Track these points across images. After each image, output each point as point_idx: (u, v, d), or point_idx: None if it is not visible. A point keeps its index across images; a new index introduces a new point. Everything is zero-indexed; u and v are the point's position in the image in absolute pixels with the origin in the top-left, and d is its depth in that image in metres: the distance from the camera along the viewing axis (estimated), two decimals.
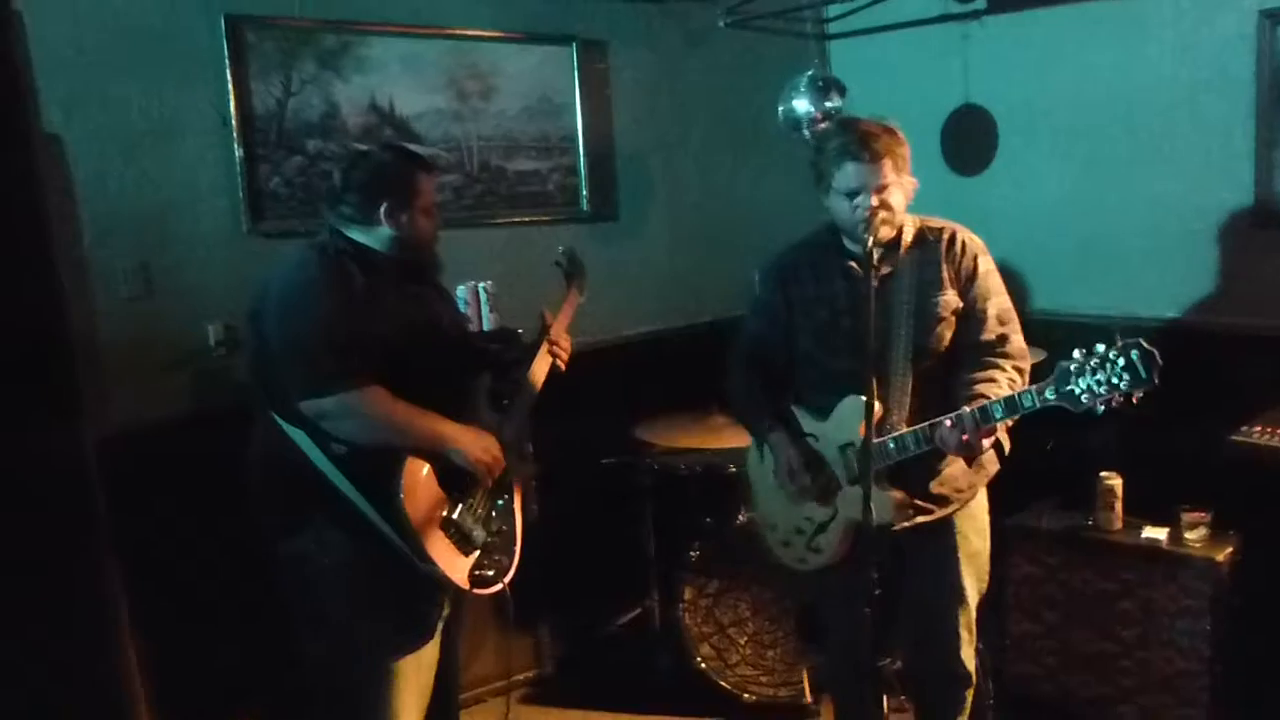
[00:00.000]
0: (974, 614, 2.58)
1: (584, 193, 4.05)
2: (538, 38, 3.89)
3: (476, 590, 2.47)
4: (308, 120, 3.44)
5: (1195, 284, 3.59)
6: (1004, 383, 2.33)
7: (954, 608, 2.55)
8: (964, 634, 2.57)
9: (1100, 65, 3.74)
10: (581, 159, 4.03)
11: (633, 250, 4.24)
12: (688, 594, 3.37)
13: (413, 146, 2.63)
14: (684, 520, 3.55)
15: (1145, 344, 2.02)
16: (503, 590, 2.52)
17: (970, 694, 2.64)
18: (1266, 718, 3.09)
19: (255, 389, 2.46)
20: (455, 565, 2.40)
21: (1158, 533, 3.07)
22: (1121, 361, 2.02)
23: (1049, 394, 2.11)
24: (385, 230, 2.41)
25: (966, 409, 2.21)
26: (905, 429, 2.34)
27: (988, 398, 2.25)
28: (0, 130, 1.05)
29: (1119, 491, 3.16)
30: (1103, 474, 3.17)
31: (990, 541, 2.64)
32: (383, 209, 2.38)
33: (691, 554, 3.39)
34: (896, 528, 2.41)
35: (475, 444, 2.44)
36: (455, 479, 2.43)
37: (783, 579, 3.19)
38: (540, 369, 2.74)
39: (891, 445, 2.32)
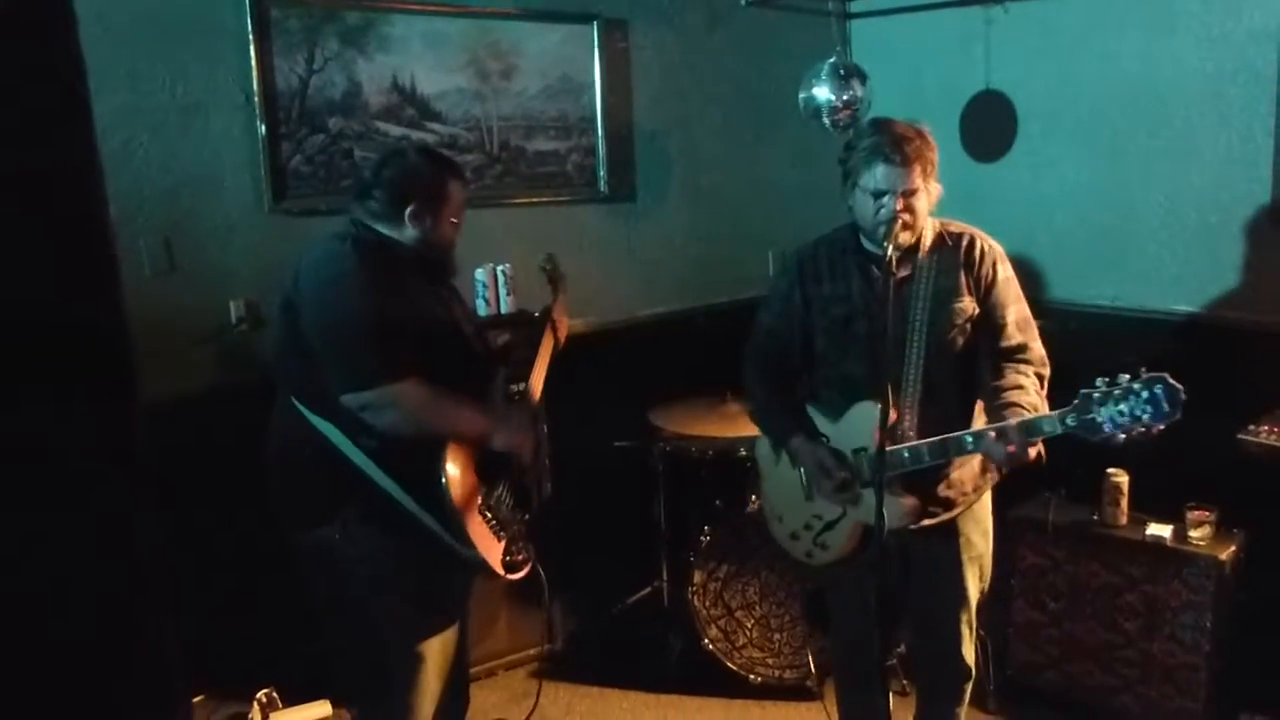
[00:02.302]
0: (975, 612, 2.62)
1: (602, 173, 4.06)
2: (559, 16, 3.88)
3: (510, 575, 2.53)
4: (330, 98, 3.45)
5: (1211, 279, 3.59)
6: (1031, 389, 2.34)
7: (955, 608, 2.57)
8: (965, 631, 2.60)
9: (1124, 54, 3.71)
10: (600, 139, 4.03)
11: (650, 231, 4.25)
12: (697, 577, 3.43)
13: (446, 152, 2.68)
14: (695, 504, 3.60)
15: (1170, 379, 2.02)
16: (535, 572, 2.60)
17: (969, 686, 2.69)
18: (1264, 712, 3.14)
19: (281, 380, 2.48)
20: (492, 550, 2.46)
21: (1163, 529, 3.11)
22: (1146, 394, 2.02)
23: (1070, 420, 2.11)
24: (409, 230, 2.44)
25: (1012, 422, 2.19)
26: (915, 436, 2.36)
27: (1020, 405, 2.25)
28: (65, 103, 1.07)
29: (1125, 489, 3.19)
30: (1110, 470, 3.20)
31: (992, 539, 2.66)
32: (409, 210, 2.42)
33: (702, 538, 3.44)
34: (902, 529, 2.44)
35: (514, 429, 2.51)
36: (490, 465, 2.49)
37: (790, 566, 3.23)
38: (545, 351, 2.85)
39: (906, 455, 2.33)
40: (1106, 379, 2.07)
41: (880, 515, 2.15)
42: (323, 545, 2.41)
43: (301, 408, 2.38)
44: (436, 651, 2.50)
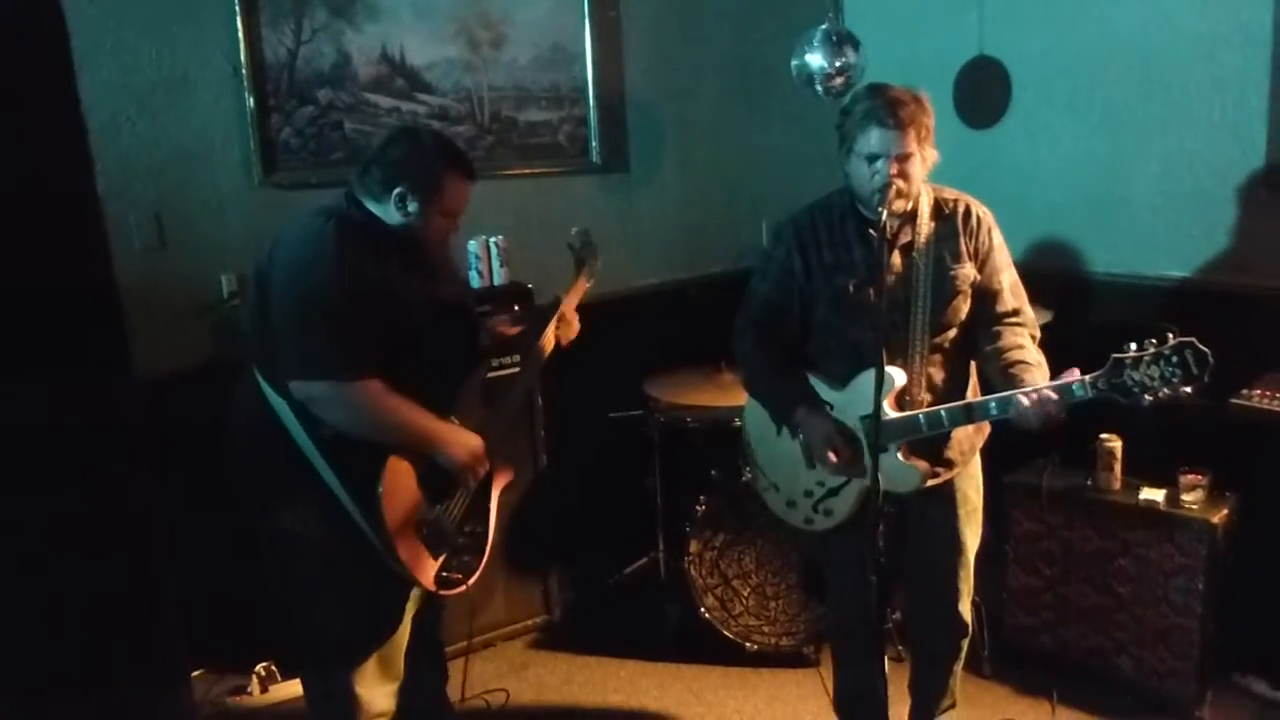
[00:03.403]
0: (972, 567, 2.65)
1: (594, 144, 4.04)
2: None
3: (442, 591, 2.45)
4: (319, 70, 3.43)
5: (1205, 244, 3.59)
6: (1030, 349, 2.38)
7: (954, 562, 2.61)
8: (963, 587, 2.63)
9: (1117, 19, 3.69)
10: (592, 109, 4.01)
11: (643, 201, 4.24)
12: (693, 546, 3.44)
13: (459, 146, 2.50)
14: (691, 474, 3.60)
15: (1199, 344, 2.06)
16: (465, 593, 2.50)
17: (966, 643, 2.72)
18: (1256, 673, 3.17)
19: (247, 349, 2.41)
20: (424, 567, 2.37)
21: (1155, 494, 3.12)
22: (1176, 358, 2.06)
23: (1101, 384, 2.14)
24: (394, 213, 2.33)
25: (1046, 386, 2.20)
26: (929, 403, 2.39)
27: (1027, 363, 2.31)
28: (50, 83, 1.07)
29: (1119, 454, 3.20)
30: (1103, 436, 3.21)
31: (983, 491, 2.69)
32: (396, 192, 2.31)
33: (698, 507, 3.45)
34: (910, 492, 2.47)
35: (463, 448, 2.39)
36: (435, 479, 2.40)
37: (790, 533, 3.24)
38: (547, 344, 2.73)
39: (922, 419, 2.35)
40: (1137, 343, 2.11)
41: (875, 480, 2.17)
42: (276, 528, 2.33)
43: (261, 381, 2.31)
44: (374, 650, 2.42)
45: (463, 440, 2.41)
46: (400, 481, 2.31)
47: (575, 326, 2.81)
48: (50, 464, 1.00)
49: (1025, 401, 2.20)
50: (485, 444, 2.47)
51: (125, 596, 1.10)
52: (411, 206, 2.32)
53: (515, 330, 2.88)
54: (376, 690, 2.45)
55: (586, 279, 2.93)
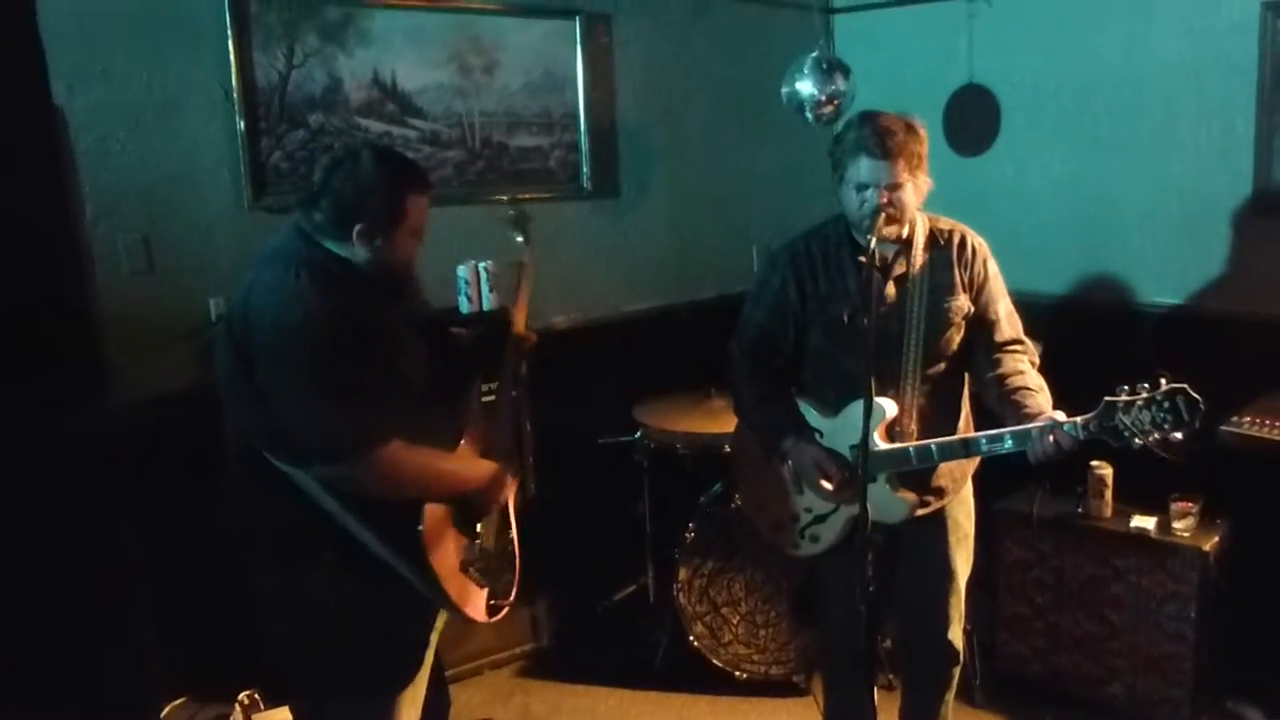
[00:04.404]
0: (963, 594, 2.63)
1: (585, 169, 4.04)
2: (541, 11, 3.86)
3: (493, 619, 2.41)
4: (310, 94, 3.42)
5: (1194, 270, 3.61)
6: (1032, 374, 2.39)
7: (945, 589, 2.59)
8: (954, 613, 2.62)
9: (1105, 47, 3.73)
10: (583, 135, 4.02)
11: (634, 227, 4.23)
12: (682, 574, 3.41)
13: (405, 154, 2.36)
14: (680, 500, 3.58)
15: (1190, 391, 2.06)
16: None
17: (958, 671, 2.70)
18: (1249, 699, 3.16)
19: (232, 419, 2.18)
20: (475, 602, 2.32)
21: (1147, 521, 3.12)
22: (1168, 404, 2.06)
23: (1093, 427, 2.13)
24: (359, 250, 2.12)
25: (1061, 417, 2.19)
26: (919, 434, 2.39)
27: (1029, 388, 2.31)
28: (23, 107, 1.05)
29: (1109, 481, 3.20)
30: (1094, 463, 3.20)
31: (974, 518, 2.68)
32: (357, 229, 2.09)
33: (687, 534, 3.43)
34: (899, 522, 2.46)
35: (490, 483, 2.32)
36: (465, 513, 2.31)
37: (777, 557, 3.22)
38: (518, 322, 2.64)
39: (912, 452, 2.35)
40: (1128, 387, 2.10)
41: (864, 510, 2.15)
42: (294, 585, 2.18)
43: (264, 452, 2.12)
44: (410, 695, 2.31)
45: (487, 475, 2.33)
46: (440, 530, 2.21)
47: (531, 337, 2.67)
48: (15, 488, 0.98)
49: (1034, 433, 2.19)
50: (495, 456, 2.41)
51: (91, 622, 1.08)
52: (378, 242, 2.12)
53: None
54: None
55: (531, 262, 2.80)
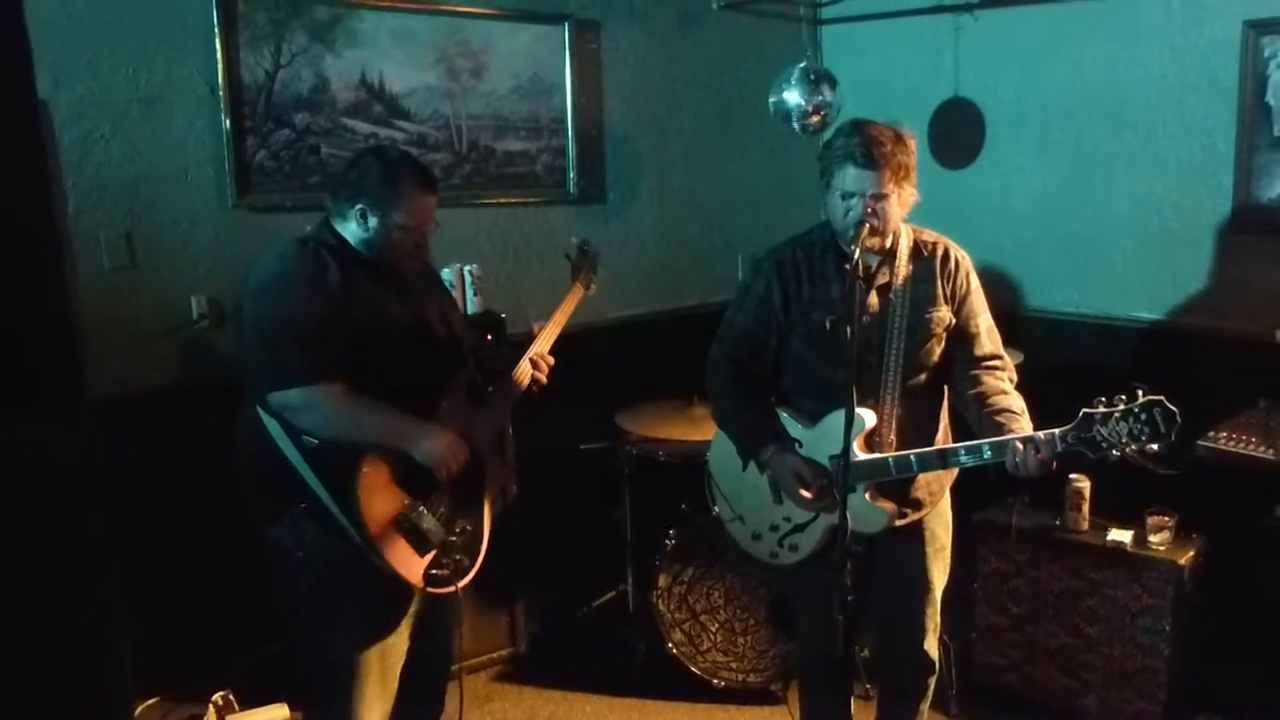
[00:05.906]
0: (939, 605, 2.64)
1: (572, 175, 4.05)
2: (530, 16, 3.87)
3: (431, 589, 2.45)
4: (297, 93, 3.42)
5: (1174, 285, 3.64)
6: (1013, 392, 2.39)
7: (921, 599, 2.60)
8: (929, 624, 2.62)
9: (1090, 63, 3.76)
10: (570, 140, 4.02)
11: (620, 233, 4.24)
12: (662, 580, 3.41)
13: (422, 164, 2.55)
14: (661, 507, 3.58)
15: (1167, 403, 2.08)
16: (455, 592, 2.48)
17: (933, 681, 2.70)
18: (1221, 714, 3.17)
19: (242, 376, 2.47)
20: (410, 564, 2.39)
21: (1123, 535, 3.14)
22: (1144, 416, 2.08)
23: (1071, 439, 2.15)
24: (356, 230, 2.40)
25: (1041, 434, 2.20)
26: (898, 444, 2.40)
27: (1013, 411, 2.32)
28: (7, 100, 1.04)
29: (1087, 494, 3.22)
30: (1071, 476, 3.22)
31: (952, 530, 2.69)
32: (356, 208, 2.38)
33: (667, 541, 3.43)
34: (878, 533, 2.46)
35: (437, 442, 2.40)
36: (418, 478, 2.41)
37: (757, 567, 3.22)
38: (520, 378, 2.72)
39: (891, 463, 2.36)
40: (1105, 399, 2.12)
41: (843, 519, 2.16)
42: (276, 543, 2.39)
43: (255, 403, 2.36)
44: (374, 662, 2.44)
45: (435, 435, 2.41)
46: (377, 481, 2.34)
47: (549, 361, 2.77)
48: None
49: (1019, 446, 2.20)
50: (471, 442, 2.48)
51: (69, 631, 1.07)
52: (371, 221, 2.38)
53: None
54: (374, 710, 2.47)
55: (584, 288, 2.94)
